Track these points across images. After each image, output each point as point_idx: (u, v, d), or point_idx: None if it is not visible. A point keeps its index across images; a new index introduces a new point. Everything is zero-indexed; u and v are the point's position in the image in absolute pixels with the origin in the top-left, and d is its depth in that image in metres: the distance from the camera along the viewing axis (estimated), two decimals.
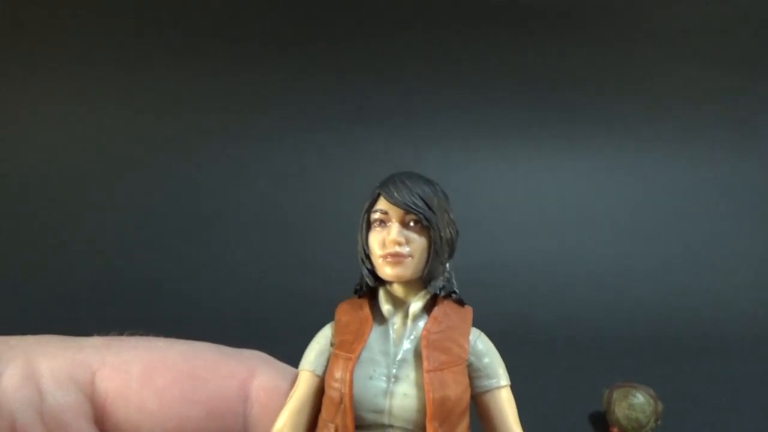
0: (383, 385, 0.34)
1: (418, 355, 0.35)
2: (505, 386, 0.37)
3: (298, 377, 0.37)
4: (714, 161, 0.95)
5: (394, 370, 0.35)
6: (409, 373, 0.35)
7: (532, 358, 0.86)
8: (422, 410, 0.34)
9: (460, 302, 0.38)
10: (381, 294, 0.37)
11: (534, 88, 0.91)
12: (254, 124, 0.87)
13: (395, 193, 0.36)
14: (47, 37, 0.85)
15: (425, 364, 0.34)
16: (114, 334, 0.39)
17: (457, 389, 0.35)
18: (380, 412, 0.34)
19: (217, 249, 0.83)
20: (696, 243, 0.90)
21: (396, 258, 0.36)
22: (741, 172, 0.94)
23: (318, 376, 0.36)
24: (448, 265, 0.38)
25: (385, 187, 0.37)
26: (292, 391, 0.36)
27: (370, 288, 0.37)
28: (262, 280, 0.80)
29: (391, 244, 0.36)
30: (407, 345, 0.36)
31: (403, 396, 0.34)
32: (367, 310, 0.37)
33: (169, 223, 0.85)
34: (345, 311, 0.38)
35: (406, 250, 0.36)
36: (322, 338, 0.37)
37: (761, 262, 0.88)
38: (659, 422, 0.73)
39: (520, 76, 0.91)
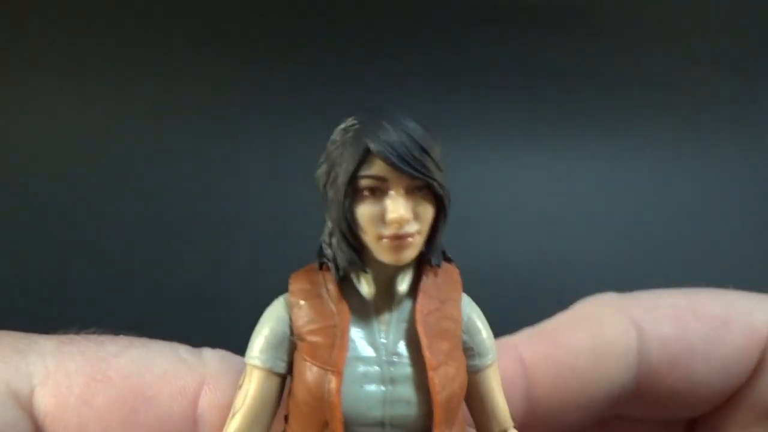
0: (379, 391, 0.27)
1: (411, 344, 0.28)
2: (495, 361, 0.31)
3: (249, 374, 0.29)
4: (719, 161, 0.88)
5: (390, 369, 0.28)
6: (407, 371, 0.28)
7: None
8: (427, 415, 0.27)
9: (446, 259, 0.30)
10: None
11: (534, 86, 0.86)
12: (251, 121, 0.83)
13: (397, 152, 0.26)
14: (45, 33, 0.83)
15: (428, 358, 0.27)
16: (73, 332, 0.36)
17: (461, 378, 0.28)
18: (377, 425, 0.28)
19: (205, 241, 0.80)
20: (699, 243, 0.84)
21: (403, 241, 0.27)
22: (747, 173, 0.88)
23: (276, 374, 0.29)
24: None
25: (377, 139, 0.26)
26: (243, 392, 0.29)
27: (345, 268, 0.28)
28: (246, 271, 0.76)
29: (395, 223, 0.26)
30: (398, 332, 0.29)
31: (405, 404, 0.28)
32: (337, 296, 0.28)
33: (157, 216, 0.82)
34: (303, 292, 0.29)
35: (414, 228, 0.27)
36: (276, 323, 0.29)
37: (763, 262, 0.82)
38: None
39: (521, 75, 0.86)
